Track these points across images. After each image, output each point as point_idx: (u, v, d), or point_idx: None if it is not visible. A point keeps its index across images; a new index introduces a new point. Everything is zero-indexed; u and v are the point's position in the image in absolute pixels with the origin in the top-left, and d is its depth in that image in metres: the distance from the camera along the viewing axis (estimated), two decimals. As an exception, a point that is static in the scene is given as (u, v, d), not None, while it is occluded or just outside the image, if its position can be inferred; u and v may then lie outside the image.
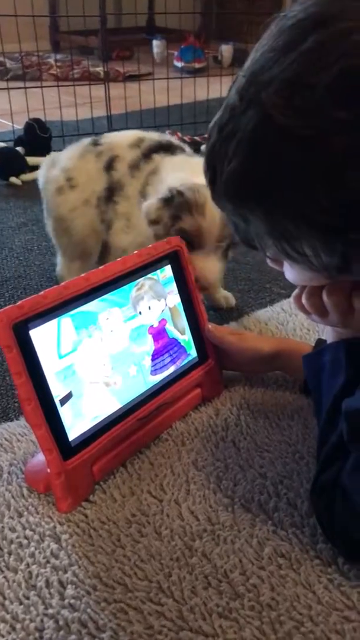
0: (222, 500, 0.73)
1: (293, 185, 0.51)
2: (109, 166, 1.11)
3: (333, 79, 0.47)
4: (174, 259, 0.87)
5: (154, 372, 0.84)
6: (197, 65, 3.19)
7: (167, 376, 0.86)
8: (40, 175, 1.21)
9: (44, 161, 1.23)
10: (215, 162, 0.57)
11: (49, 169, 1.18)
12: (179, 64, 3.15)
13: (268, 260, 0.70)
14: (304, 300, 0.67)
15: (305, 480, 0.75)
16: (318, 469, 0.67)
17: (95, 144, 1.15)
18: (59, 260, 1.22)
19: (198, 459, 0.80)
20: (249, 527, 0.69)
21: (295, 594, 0.62)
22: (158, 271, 0.85)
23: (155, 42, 3.49)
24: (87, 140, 1.17)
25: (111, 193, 1.10)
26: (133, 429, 0.80)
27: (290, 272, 0.65)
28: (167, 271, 0.87)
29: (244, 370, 0.96)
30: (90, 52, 3.27)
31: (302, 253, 0.55)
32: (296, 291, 0.69)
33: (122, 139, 1.15)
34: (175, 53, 3.44)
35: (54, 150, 1.99)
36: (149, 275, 0.84)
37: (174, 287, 0.87)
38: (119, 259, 0.82)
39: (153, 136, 1.15)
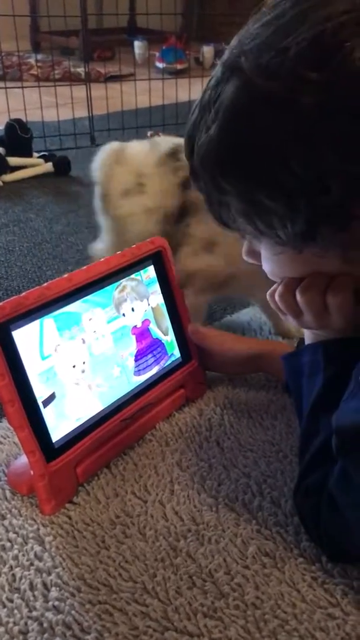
0: (206, 500, 0.73)
1: (267, 148, 0.52)
2: (186, 184, 1.01)
3: (307, 43, 0.49)
4: (157, 259, 0.87)
5: (138, 372, 0.84)
6: (178, 67, 3.20)
7: (151, 377, 0.85)
8: (100, 164, 1.10)
9: (105, 149, 1.10)
10: (195, 134, 0.57)
11: (113, 164, 1.08)
12: (161, 65, 3.16)
13: (245, 257, 0.69)
14: (277, 298, 0.66)
15: (289, 479, 0.75)
16: (301, 472, 0.67)
17: (175, 157, 1.04)
18: (100, 240, 1.15)
19: (182, 460, 0.80)
20: (233, 527, 0.70)
21: (279, 593, 0.62)
22: (141, 271, 0.85)
23: (136, 43, 3.49)
24: (163, 147, 1.06)
25: (183, 214, 1.02)
26: (117, 430, 0.79)
27: (268, 264, 0.65)
28: (151, 272, 0.86)
29: (227, 371, 0.96)
30: (71, 53, 3.25)
31: (271, 226, 0.55)
32: (272, 288, 0.68)
33: None
34: (157, 54, 3.45)
35: (35, 151, 1.99)
36: (132, 276, 0.84)
37: (157, 287, 0.87)
38: (102, 259, 0.81)
39: None
